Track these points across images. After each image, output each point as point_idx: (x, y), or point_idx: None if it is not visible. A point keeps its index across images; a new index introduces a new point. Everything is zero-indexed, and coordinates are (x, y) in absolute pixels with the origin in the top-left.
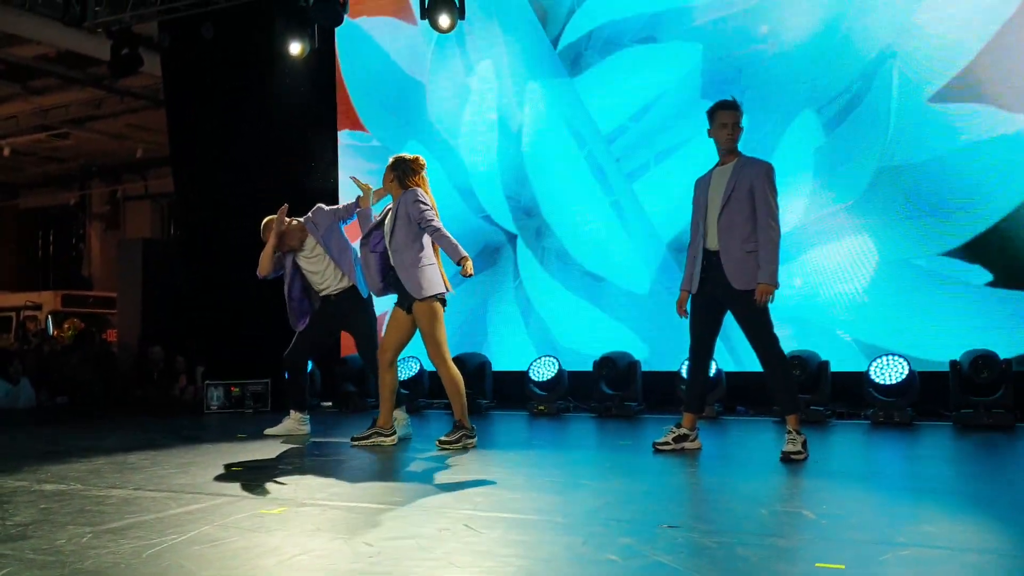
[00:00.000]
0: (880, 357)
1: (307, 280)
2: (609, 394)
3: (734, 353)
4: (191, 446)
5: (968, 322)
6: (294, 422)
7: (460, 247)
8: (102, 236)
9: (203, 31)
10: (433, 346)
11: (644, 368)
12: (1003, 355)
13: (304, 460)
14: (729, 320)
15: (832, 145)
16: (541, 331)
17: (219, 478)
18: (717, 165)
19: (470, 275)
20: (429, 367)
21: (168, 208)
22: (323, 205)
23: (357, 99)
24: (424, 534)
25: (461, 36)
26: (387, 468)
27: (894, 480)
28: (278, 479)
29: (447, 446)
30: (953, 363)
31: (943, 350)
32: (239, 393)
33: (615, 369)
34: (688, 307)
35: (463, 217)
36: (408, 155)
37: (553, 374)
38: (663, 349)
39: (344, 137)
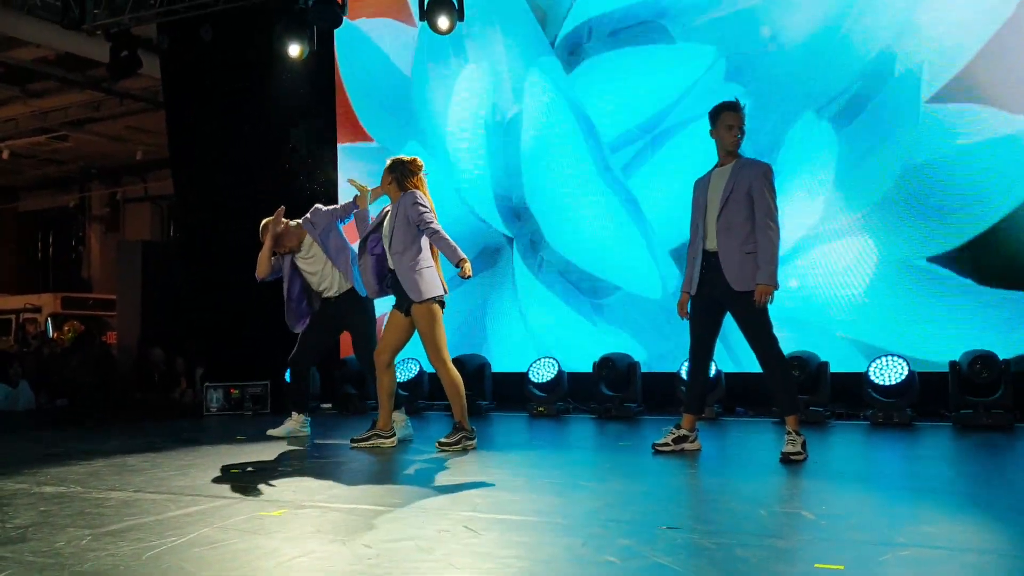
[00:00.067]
0: (879, 358)
1: (306, 281)
2: (609, 395)
3: (733, 354)
4: (190, 448)
5: (967, 322)
6: (295, 424)
7: (459, 249)
8: (102, 238)
9: (202, 33)
10: (432, 348)
11: (644, 369)
12: (1002, 355)
13: (304, 462)
14: (729, 321)
15: (832, 146)
16: (541, 332)
17: (218, 480)
18: (716, 166)
19: (469, 277)
20: (429, 369)
21: (168, 210)
22: (321, 205)
23: (356, 101)
24: (424, 536)
25: (461, 38)
26: (386, 470)
27: (894, 480)
28: (278, 481)
29: (447, 448)
30: (952, 364)
31: (942, 351)
32: (238, 395)
33: (615, 370)
34: (688, 308)
35: (462, 218)
36: (406, 156)
37: (553, 375)
38: (662, 350)
39: (344, 142)
